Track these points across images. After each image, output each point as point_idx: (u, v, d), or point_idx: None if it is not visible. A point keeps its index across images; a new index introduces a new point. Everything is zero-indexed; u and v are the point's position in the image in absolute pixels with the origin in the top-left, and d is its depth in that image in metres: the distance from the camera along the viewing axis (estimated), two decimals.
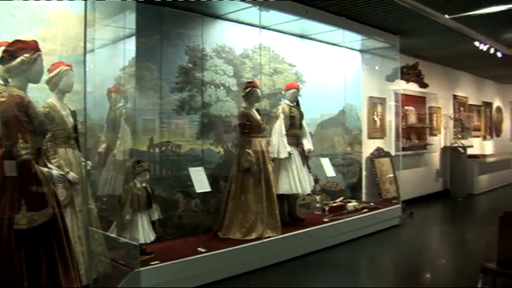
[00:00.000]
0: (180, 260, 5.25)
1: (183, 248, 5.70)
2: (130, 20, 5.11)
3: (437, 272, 6.65)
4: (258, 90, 6.72)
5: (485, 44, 9.31)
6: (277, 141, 6.94)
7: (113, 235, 5.22)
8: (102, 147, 5.77)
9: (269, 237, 6.35)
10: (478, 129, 15.52)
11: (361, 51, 9.64)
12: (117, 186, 5.42)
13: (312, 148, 7.48)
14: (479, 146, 15.38)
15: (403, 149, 10.55)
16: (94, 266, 4.58)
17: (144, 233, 5.27)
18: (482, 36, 9.02)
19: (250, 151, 6.44)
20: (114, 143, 5.63)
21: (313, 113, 8.40)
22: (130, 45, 5.22)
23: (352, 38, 8.65)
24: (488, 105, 16.57)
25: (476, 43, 9.15)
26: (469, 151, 13.38)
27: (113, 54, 5.91)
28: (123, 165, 5.49)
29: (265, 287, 5.64)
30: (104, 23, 5.47)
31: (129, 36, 5.29)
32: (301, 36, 8.33)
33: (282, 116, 7.07)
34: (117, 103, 5.85)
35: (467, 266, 6.37)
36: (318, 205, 8.16)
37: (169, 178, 6.28)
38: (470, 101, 14.94)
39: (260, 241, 6.18)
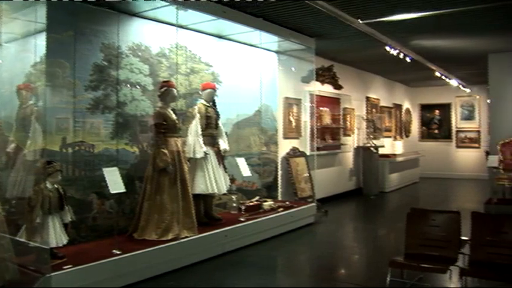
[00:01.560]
0: (94, 263, 5.11)
1: (97, 251, 5.56)
2: (41, 13, 4.93)
3: (351, 267, 6.91)
4: (174, 90, 6.68)
5: (395, 49, 9.72)
6: (193, 141, 6.93)
7: (22, 239, 5.01)
8: (10, 147, 5.55)
9: (186, 237, 6.32)
10: (389, 130, 16.19)
11: (277, 52, 9.79)
12: (27, 188, 5.22)
13: (227, 148, 7.53)
14: (390, 146, 16.06)
15: (318, 148, 10.83)
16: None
17: (56, 236, 5.08)
18: (393, 42, 9.43)
19: (165, 151, 6.38)
20: (24, 143, 5.42)
21: (229, 113, 8.45)
22: (42, 40, 5.04)
23: (269, 40, 8.77)
24: (399, 107, 17.33)
25: (387, 48, 9.54)
26: (381, 151, 13.93)
27: (23, 50, 5.69)
28: (34, 165, 5.29)
29: (184, 287, 5.62)
30: (12, 15, 5.24)
31: (40, 31, 5.11)
32: (219, 37, 8.35)
33: (198, 116, 7.07)
34: (28, 101, 5.64)
35: (378, 260, 6.63)
36: (234, 205, 8.22)
37: (82, 179, 6.10)
38: (382, 103, 15.56)
39: (176, 241, 6.14)
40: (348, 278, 6.34)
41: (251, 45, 8.99)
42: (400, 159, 15.01)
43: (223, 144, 7.46)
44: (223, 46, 8.48)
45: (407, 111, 18.39)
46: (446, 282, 5.01)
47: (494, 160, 10.64)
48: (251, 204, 8.32)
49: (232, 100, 8.53)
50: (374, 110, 14.79)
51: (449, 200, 13.44)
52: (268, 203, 8.48)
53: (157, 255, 5.84)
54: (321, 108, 11.55)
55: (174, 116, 6.65)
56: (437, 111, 18.80)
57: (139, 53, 6.90)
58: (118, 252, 5.46)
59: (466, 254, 4.96)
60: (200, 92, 7.47)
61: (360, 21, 7.89)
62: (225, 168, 7.45)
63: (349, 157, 13.34)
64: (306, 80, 10.32)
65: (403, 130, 17.78)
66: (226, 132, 7.87)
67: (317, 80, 10.77)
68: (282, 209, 8.45)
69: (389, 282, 4.80)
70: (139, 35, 6.92)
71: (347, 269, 6.84)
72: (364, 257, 7.53)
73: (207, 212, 7.30)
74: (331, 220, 9.76)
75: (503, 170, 10.59)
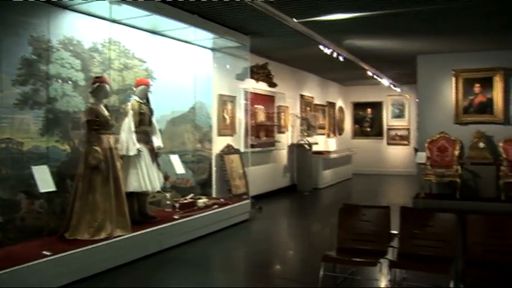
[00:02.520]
0: (22, 266, 4.91)
1: (26, 253, 5.35)
2: None
3: (285, 263, 7.00)
4: (107, 86, 6.53)
5: (329, 48, 9.89)
6: (126, 138, 6.82)
7: None
8: None
9: (119, 236, 6.20)
10: (323, 128, 16.48)
11: (212, 49, 9.77)
12: None
13: (161, 145, 7.46)
14: (324, 143, 16.37)
15: (252, 146, 10.91)
16: None
17: None
18: (327, 41, 9.59)
19: (98, 148, 6.24)
20: None
21: (163, 110, 8.36)
22: None
23: (204, 36, 8.73)
24: (332, 105, 17.68)
25: (321, 47, 9.69)
26: (314, 148, 14.18)
27: None
28: None
29: (118, 287, 5.52)
30: None
31: None
32: (153, 32, 8.24)
33: (131, 112, 6.96)
34: None
35: (312, 256, 6.73)
36: (168, 202, 8.15)
37: (10, 178, 5.86)
38: (316, 101, 15.83)
39: (110, 241, 6.02)
40: (282, 274, 6.43)
41: (186, 41, 8.93)
42: (333, 156, 15.33)
43: (157, 141, 7.38)
44: (158, 42, 8.38)
45: (341, 109, 18.80)
46: (376, 275, 5.16)
47: (422, 157, 11.05)
48: (185, 201, 8.26)
49: (166, 97, 8.44)
50: (308, 108, 15.02)
51: (380, 196, 13.88)
52: (202, 201, 8.45)
53: (90, 255, 5.70)
54: (255, 106, 11.62)
55: (106, 113, 6.50)
56: (369, 110, 19.33)
57: (71, 47, 6.70)
58: (48, 254, 5.28)
59: (395, 247, 5.13)
60: (134, 89, 7.34)
61: (295, 20, 7.99)
62: (158, 165, 7.37)
63: (283, 154, 13.50)
64: (240, 78, 10.36)
65: (336, 128, 18.15)
66: (160, 129, 7.77)
67: (252, 77, 10.83)
68: (216, 206, 8.44)
69: (322, 277, 4.89)
70: (71, 28, 6.72)
71: (282, 264, 6.92)
72: (299, 252, 7.65)
73: (141, 210, 7.19)
74: (265, 217, 9.84)
75: (431, 166, 11.02)
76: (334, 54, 10.28)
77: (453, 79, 11.52)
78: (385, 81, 15.42)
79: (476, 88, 11.43)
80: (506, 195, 10.35)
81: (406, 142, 18.67)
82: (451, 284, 4.50)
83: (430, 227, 5.04)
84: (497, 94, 11.20)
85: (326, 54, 10.07)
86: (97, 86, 6.43)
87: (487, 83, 11.34)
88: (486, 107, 11.37)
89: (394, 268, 5.06)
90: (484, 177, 10.82)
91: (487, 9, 7.67)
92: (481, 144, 11.01)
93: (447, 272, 4.53)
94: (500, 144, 10.91)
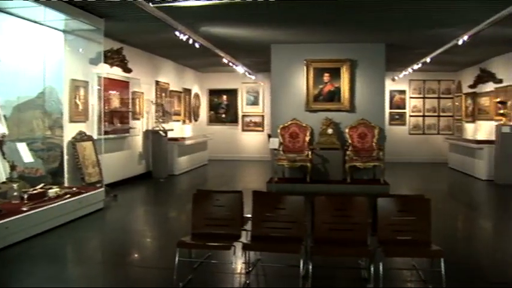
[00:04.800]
0: None
1: None
2: None
3: (142, 250, 6.96)
4: None
5: (185, 35, 9.87)
6: None
7: None
8: None
9: None
10: (178, 114, 16.44)
11: (64, 31, 9.28)
12: None
13: (6, 132, 7.02)
14: (179, 129, 16.34)
15: (106, 132, 10.62)
16: None
17: None
18: (183, 27, 9.56)
19: None
20: None
21: (8, 94, 7.84)
22: None
23: (55, 17, 8.27)
24: (188, 91, 17.69)
25: (177, 33, 9.65)
26: (170, 134, 14.12)
27: None
28: None
29: None
30: None
31: None
32: None
33: None
34: None
35: (169, 242, 6.71)
36: (15, 193, 7.60)
37: None
38: (172, 87, 15.73)
39: None
40: (139, 262, 6.40)
41: (34, 21, 8.40)
42: (188, 142, 15.41)
43: (1, 128, 6.92)
44: (2, 20, 7.78)
45: (197, 95, 18.88)
46: (231, 258, 5.32)
47: (275, 142, 11.50)
48: (35, 192, 7.82)
49: (12, 81, 7.89)
50: (163, 94, 14.90)
51: (235, 181, 14.23)
52: (53, 190, 8.06)
53: None
54: (109, 92, 11.30)
55: None
56: (225, 97, 19.65)
57: None
58: None
59: (248, 230, 5.32)
60: None
61: (151, 5, 7.86)
62: (3, 154, 6.92)
63: (138, 141, 13.30)
64: (94, 62, 9.98)
65: (192, 114, 18.20)
66: (4, 116, 7.28)
67: (106, 62, 10.49)
68: (69, 195, 8.11)
69: (177, 262, 4.93)
70: None
71: (139, 252, 6.86)
72: (155, 239, 7.63)
73: None
74: (121, 205, 9.68)
75: (283, 152, 11.56)
76: (190, 41, 10.29)
77: (305, 68, 12.13)
78: (241, 69, 15.75)
79: (326, 77, 12.18)
80: (351, 178, 11.25)
81: (260, 128, 19.30)
82: (301, 262, 4.79)
83: (281, 209, 5.30)
84: (344, 84, 12.03)
85: (182, 40, 10.05)
86: None
87: (335, 73, 12.13)
88: (334, 95, 12.17)
89: (248, 250, 5.27)
90: (332, 161, 11.64)
91: (342, 3, 8.14)
92: (330, 131, 11.77)
93: (297, 252, 4.81)
94: (346, 130, 11.80)
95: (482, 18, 8.67)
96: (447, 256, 4.80)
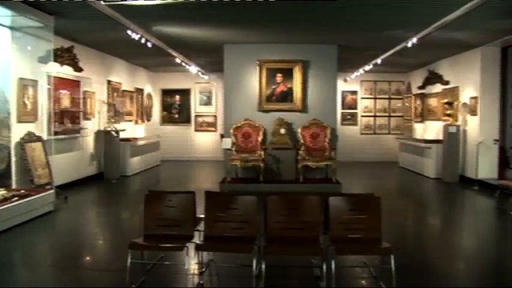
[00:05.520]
0: None
1: None
2: None
3: (94, 253, 6.85)
4: None
5: (136, 34, 9.77)
6: None
7: None
8: None
9: None
10: (131, 114, 16.25)
11: (11, 28, 8.99)
12: None
13: None
14: (132, 130, 16.15)
15: (56, 133, 10.39)
16: None
17: None
18: (135, 26, 9.46)
19: None
20: None
21: None
22: None
23: (1, 13, 8.01)
24: (141, 91, 17.50)
25: (129, 32, 9.54)
26: (122, 135, 13.92)
27: None
28: None
29: None
30: None
31: None
32: None
33: None
34: None
35: (121, 244, 6.63)
36: None
37: None
38: (124, 87, 15.52)
39: None
40: (90, 265, 6.29)
41: None
42: (141, 143, 15.28)
43: None
44: None
45: (149, 95, 18.69)
46: (184, 259, 5.30)
47: (228, 142, 11.55)
48: None
49: None
50: (115, 94, 14.68)
51: (188, 181, 14.20)
52: (0, 193, 7.85)
53: None
54: (60, 91, 11.07)
55: None
56: (177, 97, 19.54)
57: None
58: None
59: (201, 231, 5.32)
60: None
61: (102, 3, 7.75)
62: None
63: (89, 141, 13.07)
64: (43, 61, 9.71)
65: (144, 114, 18.01)
66: None
67: (56, 61, 10.26)
68: (16, 198, 7.91)
69: (130, 265, 4.88)
70: None
71: (90, 255, 6.75)
72: (107, 241, 7.54)
73: None
74: (72, 207, 9.51)
75: (236, 152, 11.59)
76: (143, 40, 10.20)
77: (258, 68, 12.19)
78: (194, 69, 15.70)
79: (279, 78, 12.28)
80: (304, 177, 11.38)
81: (213, 129, 19.29)
82: (254, 262, 4.82)
83: (234, 209, 5.33)
84: (297, 84, 12.16)
85: (134, 39, 9.95)
86: None
87: (288, 74, 12.26)
88: (287, 95, 12.29)
89: (201, 251, 5.28)
90: (285, 161, 11.76)
91: (295, 5, 8.22)
92: (282, 131, 11.89)
93: (250, 251, 4.84)
94: (299, 130, 11.93)
95: (430, 22, 8.94)
96: (397, 253, 4.93)
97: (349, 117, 19.20)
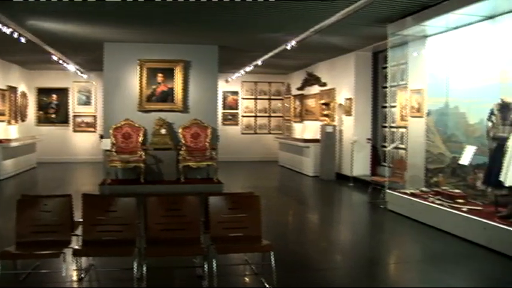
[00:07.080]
0: None
1: None
2: None
3: None
4: None
5: (8, 27, 9.18)
6: None
7: None
8: None
9: None
10: (3, 114, 15.29)
11: None
12: None
13: None
14: (4, 130, 15.22)
15: None
16: None
17: None
18: (6, 19, 8.89)
19: None
20: None
21: None
22: None
23: None
24: (14, 89, 16.50)
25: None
26: None
27: None
28: None
29: None
30: None
31: None
32: None
33: None
34: None
35: None
36: None
37: None
38: None
39: None
40: None
41: None
42: (14, 144, 14.45)
43: None
44: None
45: (24, 94, 17.69)
46: (62, 266, 5.10)
47: (107, 143, 11.26)
48: None
49: None
50: None
51: (67, 184, 13.62)
52: None
53: None
54: None
55: None
56: (54, 96, 18.72)
57: None
58: None
59: (79, 236, 5.15)
60: None
61: None
62: None
63: None
64: None
65: (18, 114, 17.02)
66: None
67: None
68: None
69: (0, 276, 4.59)
70: None
71: None
72: None
73: None
74: None
75: (116, 153, 11.34)
76: (15, 35, 9.61)
77: (138, 68, 12.01)
78: (72, 67, 15.11)
79: (159, 78, 12.20)
80: (185, 177, 11.40)
81: (92, 129, 18.73)
82: (135, 265, 4.74)
83: (113, 212, 5.25)
84: (178, 84, 12.16)
85: (6, 34, 9.35)
86: None
87: (169, 74, 12.21)
88: (168, 95, 12.25)
89: (79, 256, 5.13)
90: (166, 161, 11.75)
91: (176, 4, 8.15)
92: (163, 131, 11.84)
93: (130, 254, 4.80)
94: (180, 130, 11.93)
95: (308, 26, 9.30)
96: (277, 249, 5.11)
97: (230, 117, 19.48)
